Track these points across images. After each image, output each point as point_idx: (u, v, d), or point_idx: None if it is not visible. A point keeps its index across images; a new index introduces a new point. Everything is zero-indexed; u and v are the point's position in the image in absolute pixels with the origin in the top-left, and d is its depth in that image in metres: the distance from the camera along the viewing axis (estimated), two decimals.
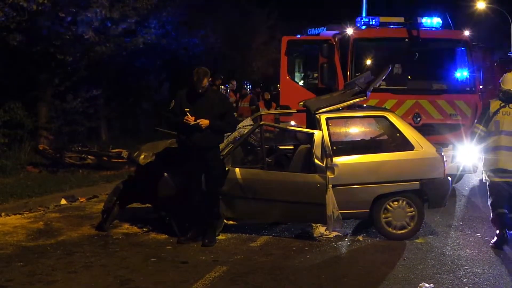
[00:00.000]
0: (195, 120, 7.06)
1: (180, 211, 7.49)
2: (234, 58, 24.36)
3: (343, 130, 8.92)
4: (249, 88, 16.47)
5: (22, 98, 13.87)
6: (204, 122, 7.08)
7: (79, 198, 10.07)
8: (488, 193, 7.57)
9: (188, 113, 7.07)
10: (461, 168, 10.41)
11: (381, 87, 10.35)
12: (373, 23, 11.62)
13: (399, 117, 8.28)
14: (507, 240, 7.34)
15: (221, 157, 7.51)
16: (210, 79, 7.98)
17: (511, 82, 7.41)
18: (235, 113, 7.63)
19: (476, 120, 7.98)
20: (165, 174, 7.55)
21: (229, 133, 8.11)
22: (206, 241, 7.25)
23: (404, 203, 7.67)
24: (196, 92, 7.20)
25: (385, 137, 8.66)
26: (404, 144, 7.82)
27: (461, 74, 11.45)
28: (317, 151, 7.52)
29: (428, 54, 11.71)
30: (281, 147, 9.01)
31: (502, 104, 7.39)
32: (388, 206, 7.65)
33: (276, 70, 21.29)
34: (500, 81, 7.55)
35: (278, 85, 19.07)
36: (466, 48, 11.23)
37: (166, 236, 7.59)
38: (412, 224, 7.67)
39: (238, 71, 25.17)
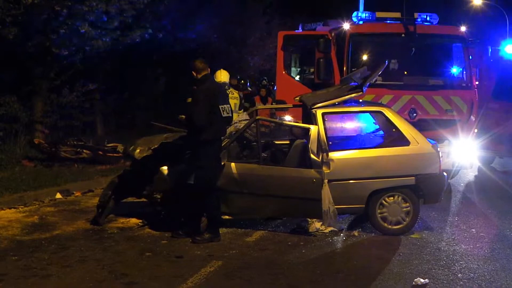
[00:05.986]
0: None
1: (175, 206, 7.47)
2: (231, 53, 24.29)
3: (339, 125, 8.91)
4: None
5: (17, 92, 13.82)
6: (182, 118, 7.13)
7: (74, 192, 10.05)
8: None
9: None
10: (456, 164, 10.45)
11: (378, 82, 10.34)
12: (370, 18, 11.60)
13: (395, 112, 8.27)
14: None
15: (212, 154, 7.36)
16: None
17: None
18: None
19: None
20: (161, 168, 7.53)
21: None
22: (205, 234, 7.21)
23: (400, 198, 7.68)
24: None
25: (381, 132, 8.65)
26: (400, 140, 7.82)
27: (457, 70, 11.45)
28: (313, 146, 7.51)
29: (424, 49, 11.68)
30: (277, 142, 9.00)
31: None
32: (384, 202, 7.65)
33: (272, 65, 21.24)
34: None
35: (269, 82, 19.07)
36: (463, 44, 11.22)
37: (161, 230, 7.57)
38: (407, 219, 7.67)
39: (234, 66, 25.10)
